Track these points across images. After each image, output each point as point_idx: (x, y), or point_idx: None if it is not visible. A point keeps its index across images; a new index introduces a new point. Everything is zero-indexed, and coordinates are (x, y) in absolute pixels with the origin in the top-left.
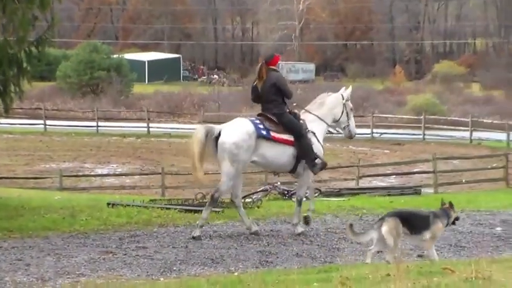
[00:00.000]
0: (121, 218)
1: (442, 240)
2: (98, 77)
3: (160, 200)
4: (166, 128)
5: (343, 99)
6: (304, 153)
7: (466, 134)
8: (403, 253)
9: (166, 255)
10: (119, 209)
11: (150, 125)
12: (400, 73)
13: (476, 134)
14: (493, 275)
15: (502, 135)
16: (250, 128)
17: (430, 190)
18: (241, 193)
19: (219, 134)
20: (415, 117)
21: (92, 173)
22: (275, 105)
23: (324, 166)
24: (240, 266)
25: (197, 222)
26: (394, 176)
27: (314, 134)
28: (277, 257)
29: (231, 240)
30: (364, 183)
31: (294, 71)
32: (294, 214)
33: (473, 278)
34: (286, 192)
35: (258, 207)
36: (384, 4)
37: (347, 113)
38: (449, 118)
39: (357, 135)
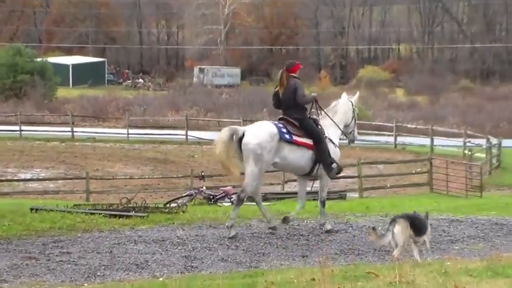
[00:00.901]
0: (44, 223)
1: (366, 244)
2: (21, 80)
3: (84, 205)
4: (91, 132)
5: (352, 105)
6: (322, 157)
7: (391, 139)
8: (328, 258)
9: (91, 260)
10: (43, 214)
11: (75, 129)
12: (325, 78)
13: (401, 139)
14: (416, 279)
15: (425, 140)
16: (274, 130)
17: (355, 195)
18: (260, 190)
19: (243, 135)
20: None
21: (15, 178)
22: (296, 111)
23: (340, 170)
24: (165, 271)
25: (226, 224)
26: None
27: (331, 140)
28: (203, 262)
29: (156, 245)
30: (290, 187)
31: (219, 75)
32: (320, 215)
33: (397, 282)
34: (211, 197)
35: (184, 212)
36: (309, 9)
37: (355, 118)
38: (373, 123)
39: None
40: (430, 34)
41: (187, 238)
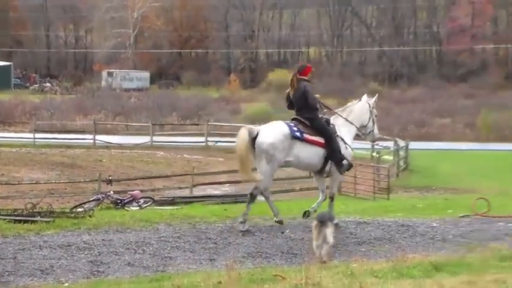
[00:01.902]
0: None
1: (274, 247)
2: None
3: None
4: None
5: (370, 107)
6: (333, 154)
7: None
8: (235, 261)
9: None
10: None
11: None
12: (235, 81)
13: None
14: (322, 280)
15: None
16: (286, 130)
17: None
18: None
19: (257, 135)
20: (250, 125)
21: None
22: (307, 111)
23: (350, 167)
24: (71, 277)
25: (239, 220)
26: (229, 184)
27: (342, 139)
28: (109, 267)
29: (61, 250)
30: (199, 191)
31: (128, 79)
32: (328, 207)
33: (303, 284)
34: (119, 201)
35: (90, 216)
36: (219, 12)
37: (373, 119)
38: None
39: (191, 144)
40: (340, 37)
41: (93, 243)
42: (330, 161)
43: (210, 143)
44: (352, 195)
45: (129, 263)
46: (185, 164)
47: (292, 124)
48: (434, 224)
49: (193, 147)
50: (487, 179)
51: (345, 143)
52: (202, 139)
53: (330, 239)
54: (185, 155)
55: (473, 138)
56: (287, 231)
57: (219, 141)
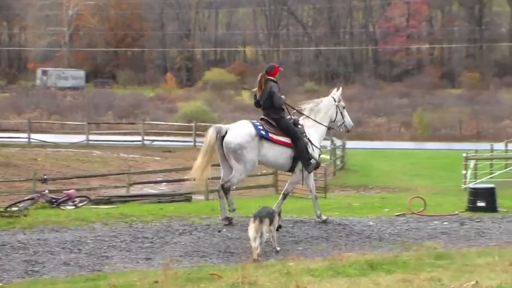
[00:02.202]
0: None
1: (211, 246)
2: None
3: None
4: None
5: (335, 101)
6: (300, 154)
7: None
8: (172, 260)
9: None
10: None
11: None
12: (171, 80)
13: None
14: (259, 279)
15: None
16: (252, 130)
17: (201, 197)
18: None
19: (226, 134)
20: (186, 124)
21: None
22: (273, 111)
23: (317, 166)
24: (5, 277)
25: (220, 218)
26: (165, 183)
27: (310, 140)
28: (44, 266)
29: None
30: (135, 190)
31: (63, 77)
32: (277, 205)
33: (240, 283)
34: (54, 200)
35: (25, 215)
36: (154, 11)
37: (341, 112)
38: None
39: (127, 143)
40: (276, 37)
41: (28, 242)
42: (298, 161)
43: (146, 142)
44: (290, 194)
45: (65, 262)
46: (121, 163)
47: (259, 124)
48: (371, 223)
49: (130, 146)
50: (422, 178)
51: (312, 144)
52: (139, 138)
53: (265, 236)
54: (121, 154)
55: (409, 137)
56: (224, 230)
57: (156, 140)
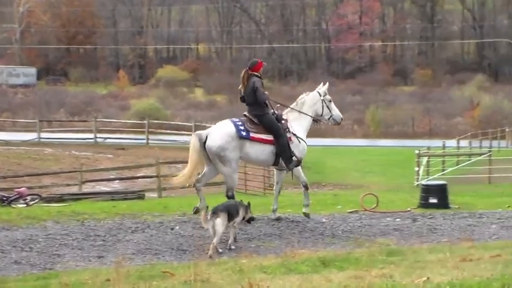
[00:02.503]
0: None
1: (164, 244)
2: None
3: None
4: None
5: (320, 96)
6: (281, 151)
7: (189, 139)
8: (124, 258)
9: None
10: None
11: None
12: (123, 78)
13: None
14: (211, 277)
15: None
16: (232, 130)
17: (154, 194)
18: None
19: (206, 139)
20: (139, 121)
21: None
22: (256, 107)
23: (298, 163)
24: None
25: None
26: (118, 181)
27: (295, 134)
28: None
29: None
30: (88, 188)
31: (14, 74)
32: (273, 200)
33: (192, 281)
34: (5, 198)
35: None
36: (106, 8)
37: (327, 106)
38: (172, 123)
39: (79, 140)
40: (229, 34)
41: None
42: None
43: (99, 140)
44: (243, 192)
45: (16, 261)
46: (74, 160)
47: (240, 123)
48: (324, 220)
49: (82, 143)
50: (375, 174)
51: (298, 137)
52: (91, 136)
53: (219, 230)
54: (74, 152)
55: (362, 134)
56: (177, 227)
57: (108, 138)
